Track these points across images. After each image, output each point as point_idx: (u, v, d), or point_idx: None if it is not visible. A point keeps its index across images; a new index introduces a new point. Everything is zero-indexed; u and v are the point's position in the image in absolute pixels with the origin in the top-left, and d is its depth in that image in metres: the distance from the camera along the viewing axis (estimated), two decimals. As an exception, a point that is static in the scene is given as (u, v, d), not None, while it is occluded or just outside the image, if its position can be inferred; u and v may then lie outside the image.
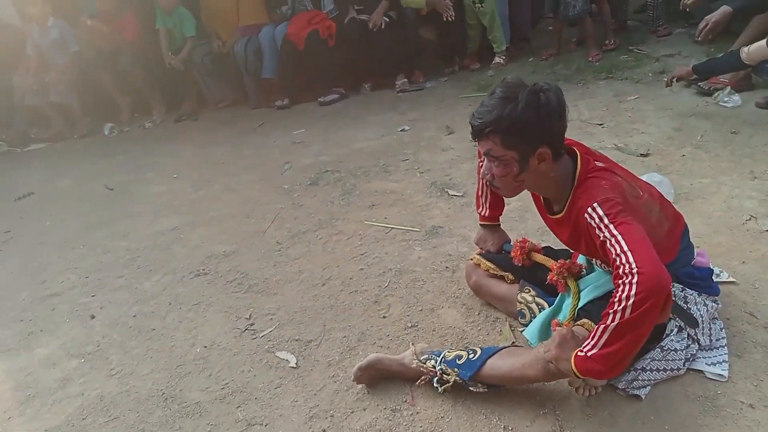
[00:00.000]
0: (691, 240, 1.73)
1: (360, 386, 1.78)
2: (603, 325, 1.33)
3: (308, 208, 3.11)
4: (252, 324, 2.21)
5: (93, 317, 2.44)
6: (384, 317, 2.11)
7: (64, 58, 5.41)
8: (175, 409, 1.85)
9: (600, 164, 1.54)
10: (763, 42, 2.78)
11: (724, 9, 3.11)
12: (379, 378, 1.78)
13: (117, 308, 2.48)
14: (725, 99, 3.47)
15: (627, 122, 3.50)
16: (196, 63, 5.41)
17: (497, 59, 5.23)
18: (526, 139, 1.46)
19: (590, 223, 1.42)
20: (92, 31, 5.41)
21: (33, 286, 2.79)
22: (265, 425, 1.73)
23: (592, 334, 1.36)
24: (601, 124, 3.53)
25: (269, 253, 2.71)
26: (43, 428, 1.87)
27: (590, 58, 4.81)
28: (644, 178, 2.52)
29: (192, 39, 5.40)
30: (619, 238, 1.35)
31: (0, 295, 2.77)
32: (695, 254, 1.72)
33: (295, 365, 1.95)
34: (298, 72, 5.26)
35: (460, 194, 2.96)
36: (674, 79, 3.32)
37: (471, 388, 1.62)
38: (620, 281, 1.31)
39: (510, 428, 1.56)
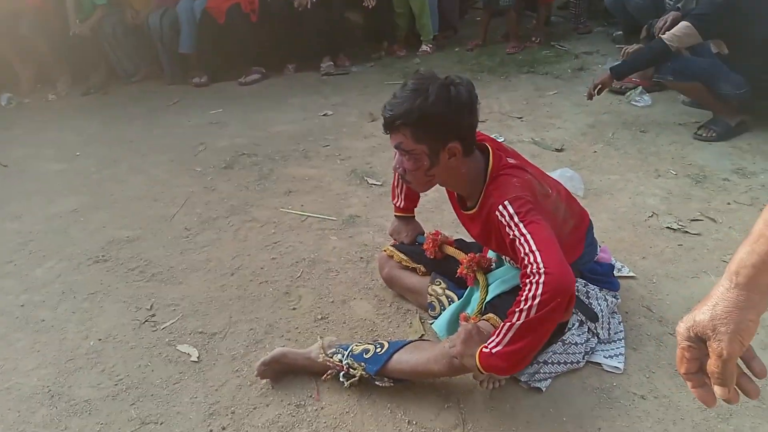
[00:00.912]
0: (595, 235, 1.78)
1: (264, 381, 1.72)
2: (509, 323, 1.33)
3: (221, 193, 2.97)
4: (153, 315, 2.08)
5: (-27, 307, 2.22)
6: (294, 309, 2.05)
7: (-47, 19, 4.88)
8: (62, 408, 1.71)
9: (512, 161, 1.54)
10: (683, 24, 2.80)
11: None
12: (285, 373, 1.73)
13: (3, 297, 2.27)
14: (636, 98, 3.63)
15: (545, 117, 3.58)
16: (106, 33, 5.04)
17: (424, 47, 5.23)
18: (436, 133, 1.43)
19: (501, 221, 1.42)
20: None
21: None
22: (161, 423, 1.63)
23: (498, 331, 1.36)
24: (520, 118, 3.60)
25: (176, 239, 2.57)
26: None
27: (507, 50, 4.91)
28: (557, 173, 2.60)
29: (102, 7, 5.02)
30: (528, 237, 1.35)
31: None
32: (599, 250, 1.77)
33: (196, 359, 1.85)
34: (218, 48, 5.02)
35: (380, 183, 2.92)
36: (597, 90, 3.17)
37: (377, 383, 1.60)
38: (527, 280, 1.32)
39: (414, 422, 1.55)
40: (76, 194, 3.11)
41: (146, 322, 2.05)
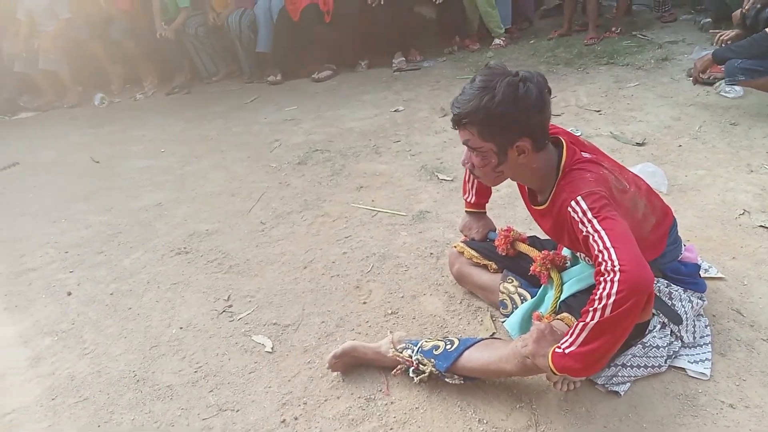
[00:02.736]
0: (680, 234, 1.68)
1: (335, 374, 1.74)
2: (582, 323, 1.28)
3: (295, 188, 3.04)
4: (230, 306, 2.16)
5: (69, 294, 2.39)
6: (364, 303, 2.07)
7: (54, 24, 5.27)
8: (146, 392, 1.81)
9: (587, 155, 1.47)
10: None
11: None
12: (355, 366, 1.75)
13: (94, 285, 2.43)
14: (726, 89, 3.39)
15: (625, 110, 3.42)
16: (190, 34, 5.28)
17: (497, 40, 5.13)
18: (503, 132, 1.40)
19: (573, 217, 1.37)
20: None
21: (10, 260, 2.73)
22: (237, 411, 1.69)
23: (571, 331, 1.31)
24: (598, 111, 3.46)
25: (252, 233, 2.66)
26: (11, 407, 1.83)
27: (585, 41, 4.72)
28: (638, 168, 2.47)
29: (186, 9, 5.28)
30: (602, 233, 1.29)
31: (-23, 268, 2.72)
32: (683, 249, 1.67)
33: (270, 350, 1.91)
34: (292, 46, 5.15)
35: (450, 179, 2.89)
36: (700, 74, 3.06)
37: (447, 380, 1.59)
38: (602, 278, 1.26)
39: (485, 421, 1.53)
40: (160, 189, 3.28)
41: (224, 313, 2.13)
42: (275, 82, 5.15)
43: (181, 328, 2.08)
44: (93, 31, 5.38)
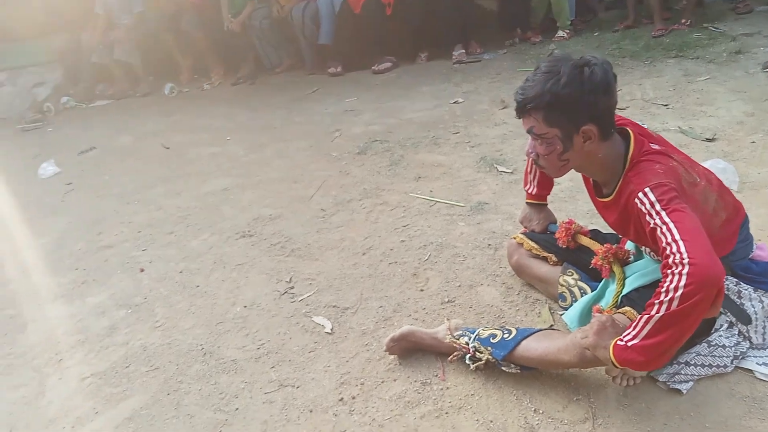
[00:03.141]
0: (751, 232, 1.62)
1: (392, 357, 1.78)
2: (647, 315, 1.27)
3: (354, 177, 3.11)
4: (292, 287, 2.24)
5: (142, 270, 2.53)
6: (421, 290, 2.10)
7: (129, 17, 5.54)
8: (212, 365, 1.91)
9: (655, 147, 1.45)
10: None
11: None
12: (411, 350, 1.78)
13: (165, 263, 2.56)
14: (807, 83, 3.22)
15: (694, 104, 3.30)
16: (255, 27, 5.44)
17: (560, 33, 5.03)
18: (569, 116, 1.39)
19: (640, 209, 1.35)
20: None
21: (89, 237, 2.92)
22: (297, 387, 1.76)
23: (635, 323, 1.30)
24: (666, 105, 3.35)
25: (313, 219, 2.74)
26: (89, 372, 1.96)
27: (653, 33, 4.56)
28: (707, 164, 2.39)
29: (251, 2, 5.44)
30: (671, 225, 1.27)
31: (59, 244, 2.91)
32: (754, 247, 1.62)
33: (330, 331, 1.97)
34: (353, 38, 5.21)
35: (510, 171, 2.88)
36: None
37: (503, 368, 1.60)
38: (669, 271, 1.24)
39: (541, 411, 1.53)
40: (226, 175, 3.42)
41: (286, 294, 2.21)
42: (336, 73, 5.24)
43: (245, 306, 2.18)
44: (164, 23, 5.62)
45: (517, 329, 1.62)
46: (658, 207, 1.31)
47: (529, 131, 1.48)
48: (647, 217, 1.33)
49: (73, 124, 5.26)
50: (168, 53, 5.83)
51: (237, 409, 1.71)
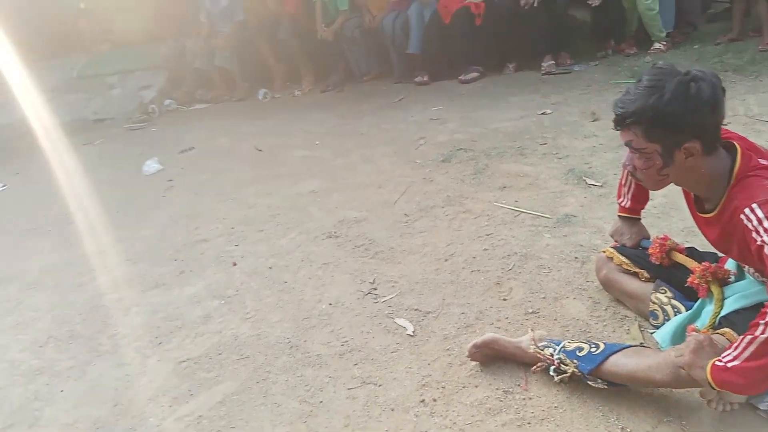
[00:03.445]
0: None
1: (473, 363, 1.79)
2: (750, 336, 1.21)
3: (438, 184, 3.13)
4: (375, 288, 2.30)
5: (234, 264, 2.68)
6: (504, 300, 2.09)
7: (229, 25, 5.88)
8: (298, 358, 1.99)
9: (764, 162, 1.38)
10: None
11: None
12: (494, 358, 1.78)
13: (255, 259, 2.70)
14: None
15: (806, 121, 3.09)
16: (346, 36, 5.60)
17: (657, 45, 4.84)
18: (671, 133, 1.35)
19: (746, 226, 1.29)
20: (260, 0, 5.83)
21: (187, 231, 3.12)
22: (379, 385, 1.80)
23: (736, 344, 1.25)
24: (772, 121, 3.15)
25: (397, 223, 2.79)
26: (185, 356, 2.10)
27: (760, 47, 4.29)
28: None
29: (344, 12, 5.60)
30: (780, 243, 1.21)
31: (160, 236, 3.14)
32: None
33: (412, 333, 2.00)
34: (441, 48, 5.26)
35: (599, 184, 2.81)
36: None
37: (590, 383, 1.57)
38: (777, 291, 1.19)
39: (628, 430, 1.49)
40: (315, 178, 3.55)
41: (369, 294, 2.27)
42: (422, 82, 5.30)
43: (330, 304, 2.25)
44: (262, 32, 5.91)
45: (605, 344, 1.59)
46: (766, 224, 1.25)
47: (627, 144, 1.45)
48: (753, 234, 1.27)
49: (174, 125, 5.64)
50: (263, 60, 6.12)
51: (321, 401, 1.78)
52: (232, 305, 2.37)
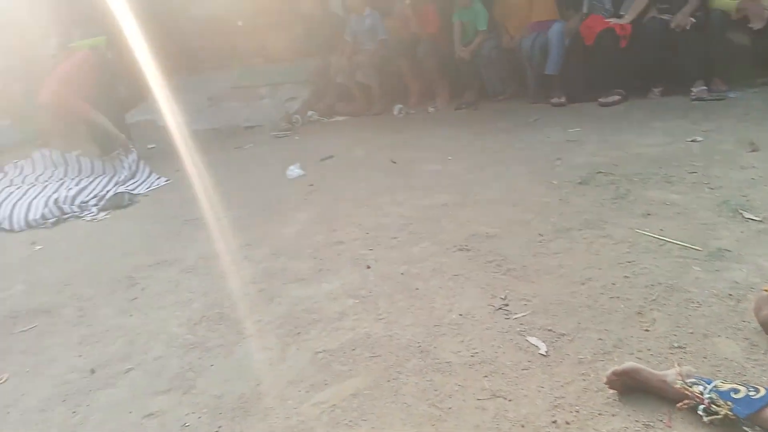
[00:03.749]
0: None
1: (611, 392, 1.73)
2: None
3: (575, 206, 3.06)
4: (506, 305, 2.29)
5: (369, 267, 2.79)
6: (647, 330, 2.00)
7: (372, 44, 6.18)
8: (428, 362, 2.03)
9: None
10: None
11: None
12: (633, 388, 1.70)
13: (388, 264, 2.79)
14: None
15: None
16: (483, 55, 5.65)
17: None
18: None
19: None
20: (402, 19, 6.06)
21: (325, 233, 3.31)
22: (509, 400, 1.79)
23: None
24: None
25: (530, 242, 2.76)
26: (322, 348, 2.23)
27: None
28: None
29: (483, 33, 5.67)
30: None
31: (303, 235, 3.35)
32: None
33: (544, 353, 1.97)
34: (581, 70, 5.13)
35: (759, 219, 2.59)
36: None
37: (746, 428, 1.46)
38: None
39: (788, 485, 1.36)
40: (447, 192, 3.61)
41: (500, 310, 2.27)
42: (559, 104, 5.20)
43: (460, 314, 2.28)
44: (402, 50, 6.13)
45: (766, 389, 1.47)
46: None
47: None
48: None
49: (315, 135, 5.99)
50: (400, 77, 6.34)
51: (450, 408, 1.80)
52: (366, 305, 2.47)
